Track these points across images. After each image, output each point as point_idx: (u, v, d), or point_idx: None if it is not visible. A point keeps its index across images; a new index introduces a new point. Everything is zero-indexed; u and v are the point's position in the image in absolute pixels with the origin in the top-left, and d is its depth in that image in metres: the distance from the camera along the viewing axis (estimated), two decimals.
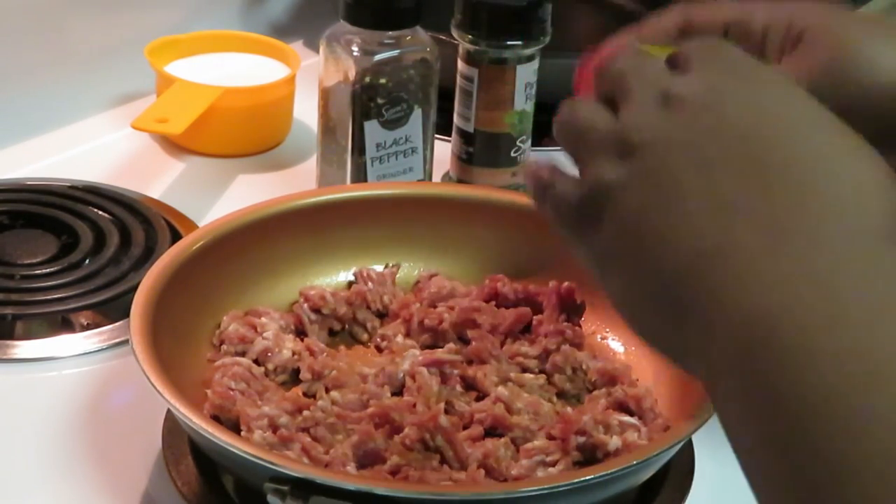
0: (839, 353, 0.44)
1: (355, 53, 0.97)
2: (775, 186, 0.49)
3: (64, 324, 0.91)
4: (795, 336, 0.45)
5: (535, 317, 0.87)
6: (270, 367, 0.82)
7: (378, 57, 0.97)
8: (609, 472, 0.69)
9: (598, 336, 0.88)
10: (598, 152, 0.54)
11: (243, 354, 0.82)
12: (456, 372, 0.82)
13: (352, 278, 0.91)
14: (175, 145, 1.14)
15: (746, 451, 0.47)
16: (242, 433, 0.75)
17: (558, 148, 0.58)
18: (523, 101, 1.01)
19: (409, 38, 0.98)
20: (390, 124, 0.99)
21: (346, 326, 0.88)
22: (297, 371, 0.83)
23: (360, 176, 0.99)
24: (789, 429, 0.44)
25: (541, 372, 0.84)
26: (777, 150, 0.50)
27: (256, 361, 0.82)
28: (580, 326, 0.87)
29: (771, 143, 0.50)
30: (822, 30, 0.68)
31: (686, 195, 0.50)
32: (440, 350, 0.84)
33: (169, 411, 0.78)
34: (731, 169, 0.50)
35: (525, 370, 0.83)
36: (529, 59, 1.00)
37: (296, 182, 1.08)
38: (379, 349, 0.87)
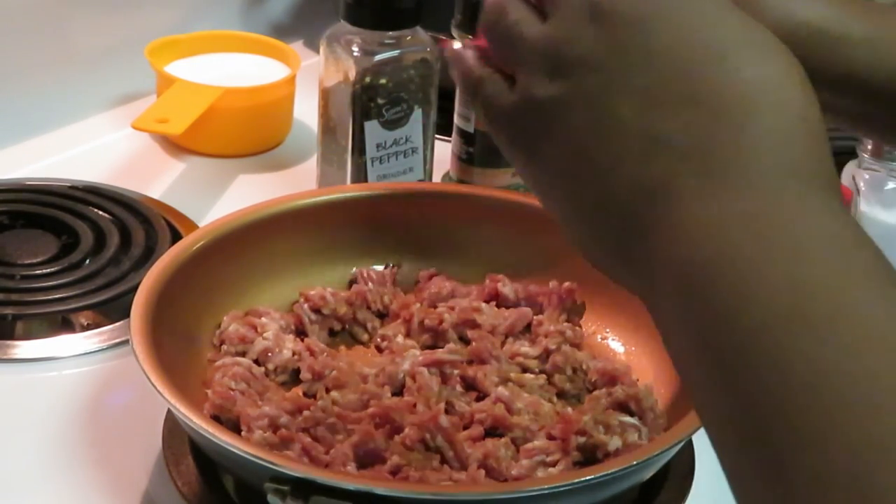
0: (765, 291, 0.45)
1: (355, 53, 0.97)
2: (707, 120, 0.49)
3: (64, 324, 0.91)
4: (727, 276, 0.46)
5: (535, 317, 0.87)
6: (270, 367, 0.82)
7: (378, 57, 0.97)
8: (609, 472, 0.69)
9: (598, 336, 0.88)
10: (529, 64, 0.54)
11: (243, 354, 0.82)
12: (456, 372, 0.82)
13: (352, 278, 0.91)
14: (175, 145, 1.14)
15: (684, 369, 0.48)
16: (242, 433, 0.75)
17: None
18: None
19: (410, 38, 0.98)
20: (390, 124, 0.99)
21: (346, 326, 0.88)
22: (297, 371, 0.83)
23: (360, 176, 0.99)
24: (723, 362, 0.45)
25: (541, 372, 0.84)
26: (709, 80, 0.49)
27: (257, 361, 0.82)
28: (580, 326, 0.87)
29: (703, 72, 0.50)
30: None
31: (621, 126, 0.50)
32: (440, 350, 0.84)
33: (169, 411, 0.78)
34: (664, 100, 0.50)
35: (525, 370, 0.83)
36: None
37: (296, 182, 1.08)
38: (379, 349, 0.87)
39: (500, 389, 0.80)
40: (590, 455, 0.75)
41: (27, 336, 0.90)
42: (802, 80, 0.50)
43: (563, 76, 0.52)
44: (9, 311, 0.91)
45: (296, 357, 0.83)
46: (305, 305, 0.87)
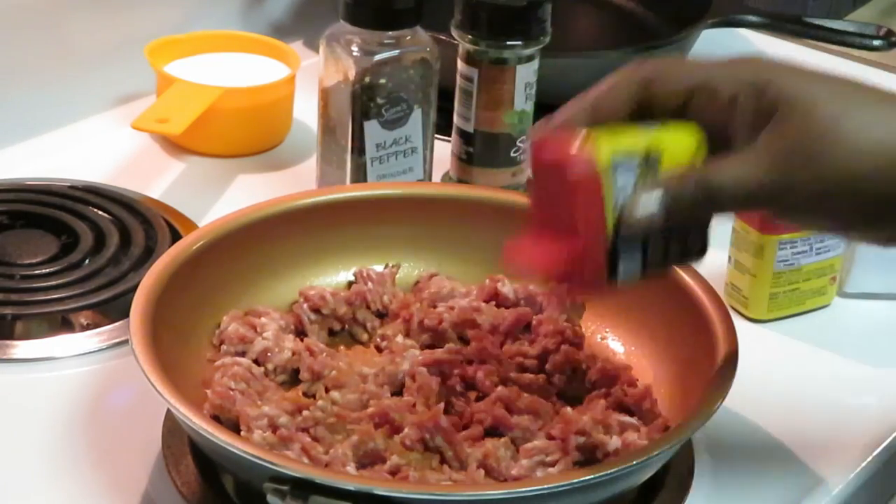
0: None
1: (355, 53, 0.97)
2: None
3: (64, 324, 0.91)
4: None
5: (535, 317, 0.87)
6: (270, 367, 0.83)
7: (378, 57, 0.97)
8: (609, 472, 0.69)
9: (598, 336, 0.88)
10: None
11: (243, 354, 0.82)
12: (456, 372, 0.82)
13: (352, 278, 0.91)
14: (175, 145, 1.14)
15: None
16: (242, 433, 0.75)
17: None
18: (523, 101, 1.01)
19: (409, 38, 0.98)
20: (390, 124, 0.99)
21: (346, 326, 0.88)
22: (297, 371, 0.83)
23: (360, 176, 0.99)
24: None
25: (541, 372, 0.84)
26: None
27: (256, 361, 0.82)
28: (580, 326, 0.87)
29: None
30: (795, 101, 0.64)
31: None
32: (440, 350, 0.84)
33: (169, 411, 0.78)
34: None
35: (525, 370, 0.83)
36: (529, 59, 1.00)
37: (296, 182, 1.08)
38: (379, 349, 0.87)
39: (501, 389, 0.80)
40: (589, 455, 0.75)
41: (27, 336, 0.90)
42: None
43: None
44: (9, 311, 0.91)
45: (295, 357, 0.83)
46: (305, 305, 0.87)
